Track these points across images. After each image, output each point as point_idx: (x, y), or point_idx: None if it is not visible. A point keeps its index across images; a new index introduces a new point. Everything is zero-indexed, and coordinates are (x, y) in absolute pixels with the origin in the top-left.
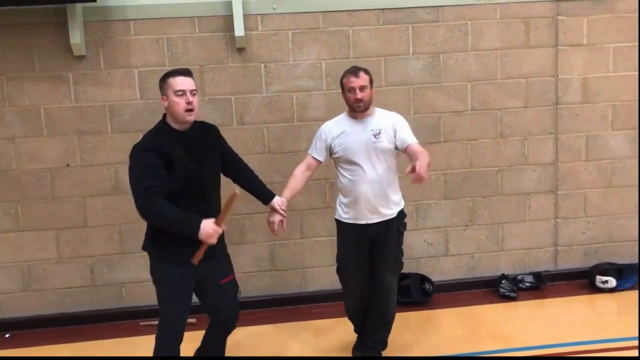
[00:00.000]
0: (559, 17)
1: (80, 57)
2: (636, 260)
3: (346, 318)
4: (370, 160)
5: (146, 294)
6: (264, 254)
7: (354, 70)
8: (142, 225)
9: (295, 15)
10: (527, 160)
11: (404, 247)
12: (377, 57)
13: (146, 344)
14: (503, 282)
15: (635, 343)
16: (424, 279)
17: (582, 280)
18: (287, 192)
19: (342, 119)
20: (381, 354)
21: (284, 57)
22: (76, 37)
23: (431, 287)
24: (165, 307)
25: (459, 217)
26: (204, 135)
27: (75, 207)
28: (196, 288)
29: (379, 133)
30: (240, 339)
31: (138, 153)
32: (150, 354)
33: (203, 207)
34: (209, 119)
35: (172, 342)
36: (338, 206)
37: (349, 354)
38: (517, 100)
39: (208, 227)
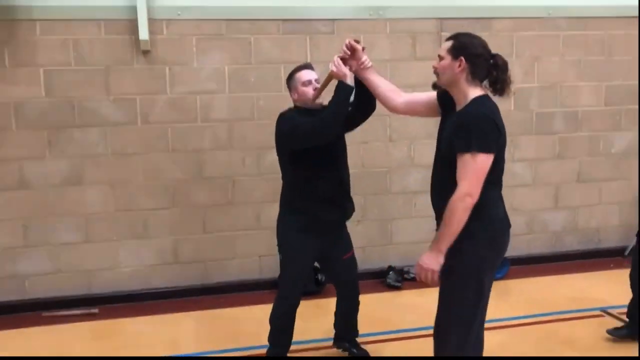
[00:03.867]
0: (442, 33)
1: None
2: (511, 254)
3: (244, 307)
4: None
5: (50, 286)
6: (167, 248)
7: None
8: (48, 220)
9: (200, 21)
10: (412, 162)
11: None
12: (277, 64)
13: (48, 334)
14: (390, 273)
15: (503, 324)
16: (316, 270)
17: None
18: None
19: None
20: None
21: (188, 61)
22: None
23: (323, 278)
24: (287, 273)
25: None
26: None
27: None
28: (322, 263)
29: None
30: (147, 326)
31: (285, 118)
32: (52, 345)
33: (335, 171)
34: (113, 118)
35: (288, 308)
36: None
37: (255, 339)
38: None
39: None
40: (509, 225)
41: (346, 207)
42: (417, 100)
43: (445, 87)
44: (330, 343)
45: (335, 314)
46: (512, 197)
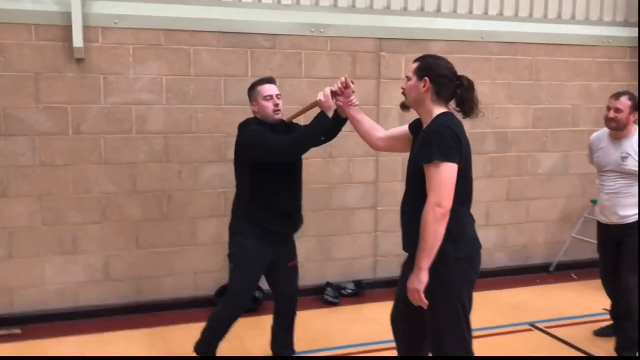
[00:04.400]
0: (382, 54)
1: None
2: None
3: (179, 326)
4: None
5: None
6: (97, 265)
7: (615, 95)
8: None
9: (137, 31)
10: (352, 179)
11: None
12: (218, 77)
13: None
14: (328, 289)
15: None
16: (257, 287)
17: None
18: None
19: (604, 135)
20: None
21: (124, 71)
22: None
23: (261, 295)
24: (235, 281)
25: None
26: (290, 131)
27: None
28: (267, 270)
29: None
30: (74, 347)
31: (252, 130)
32: None
33: (291, 185)
34: (44, 127)
35: (232, 315)
36: None
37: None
38: (345, 126)
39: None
40: (480, 245)
41: (297, 221)
42: (394, 136)
43: (412, 107)
44: None
45: (273, 329)
46: None
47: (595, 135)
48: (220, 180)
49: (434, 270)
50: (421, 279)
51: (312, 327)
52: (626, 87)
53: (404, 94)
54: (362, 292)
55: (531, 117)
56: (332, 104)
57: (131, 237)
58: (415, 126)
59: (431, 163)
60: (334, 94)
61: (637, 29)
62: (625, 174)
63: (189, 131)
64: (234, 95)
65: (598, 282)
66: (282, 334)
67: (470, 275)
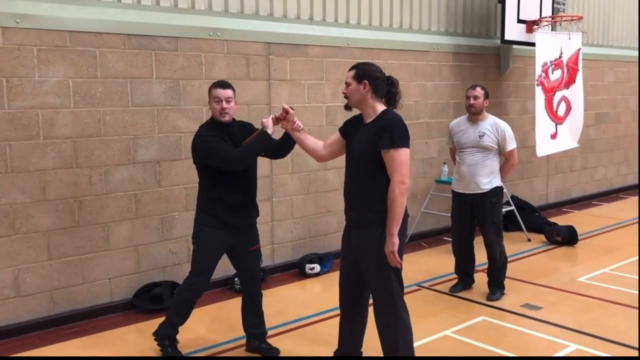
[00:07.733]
0: (270, 56)
1: None
2: (330, 250)
3: (101, 333)
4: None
5: None
6: (6, 281)
7: (471, 86)
8: None
9: (41, 31)
10: None
11: None
12: (124, 79)
13: None
14: (236, 279)
15: (335, 313)
16: (174, 285)
17: (294, 270)
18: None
19: (462, 120)
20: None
21: (28, 73)
22: None
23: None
24: (197, 261)
25: None
26: (243, 130)
27: None
28: (230, 254)
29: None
30: None
31: (199, 136)
32: None
33: (244, 183)
34: None
35: (193, 294)
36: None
37: None
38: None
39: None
40: (408, 214)
41: (251, 214)
42: (331, 145)
43: (355, 106)
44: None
45: (242, 309)
46: (326, 200)
47: (454, 121)
48: (130, 182)
49: (379, 236)
50: (394, 242)
51: (229, 315)
52: (451, 85)
53: (346, 97)
54: (265, 277)
55: None
56: (271, 126)
57: (42, 248)
58: (347, 127)
59: (392, 149)
60: (276, 119)
61: (455, 37)
62: (481, 149)
63: (98, 134)
64: (140, 97)
65: (443, 247)
66: (249, 313)
67: (404, 236)
